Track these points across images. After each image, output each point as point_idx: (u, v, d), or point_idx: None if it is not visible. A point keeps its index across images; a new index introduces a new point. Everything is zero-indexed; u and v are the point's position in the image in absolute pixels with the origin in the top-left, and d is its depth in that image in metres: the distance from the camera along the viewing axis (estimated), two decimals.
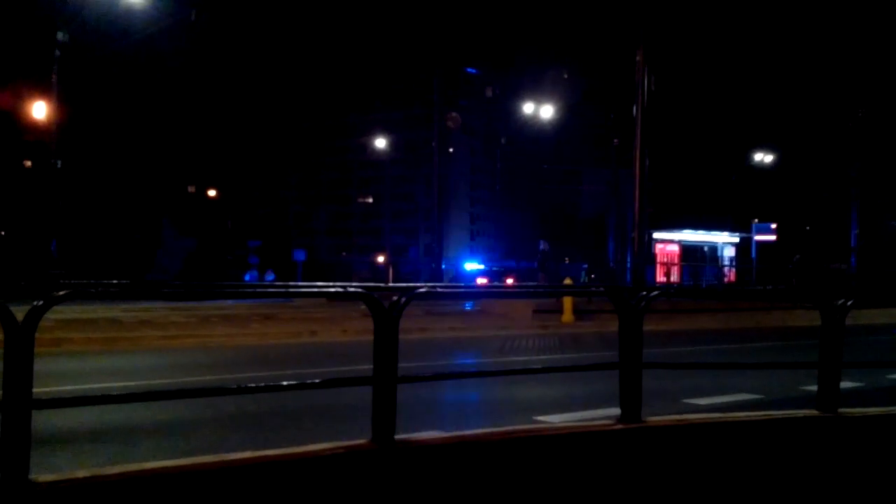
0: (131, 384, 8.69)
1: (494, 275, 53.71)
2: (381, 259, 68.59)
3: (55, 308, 3.18)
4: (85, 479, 3.14)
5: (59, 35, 23.33)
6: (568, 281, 25.98)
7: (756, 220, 39.18)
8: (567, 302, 18.44)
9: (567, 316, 18.30)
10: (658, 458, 4.38)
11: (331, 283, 4.23)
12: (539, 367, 10.86)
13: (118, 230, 52.26)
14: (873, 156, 35.83)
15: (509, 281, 45.02)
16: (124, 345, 12.99)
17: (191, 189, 62.92)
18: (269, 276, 39.76)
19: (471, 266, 60.76)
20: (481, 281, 49.68)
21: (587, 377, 8.23)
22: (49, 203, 24.80)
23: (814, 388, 5.01)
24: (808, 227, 44.24)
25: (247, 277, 39.19)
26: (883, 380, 9.66)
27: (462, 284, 39.76)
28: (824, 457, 4.77)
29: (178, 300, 19.25)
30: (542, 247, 26.75)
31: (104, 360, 11.45)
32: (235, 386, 5.01)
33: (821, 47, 42.50)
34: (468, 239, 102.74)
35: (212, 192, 59.79)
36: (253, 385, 4.02)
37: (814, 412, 4.90)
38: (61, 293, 3.16)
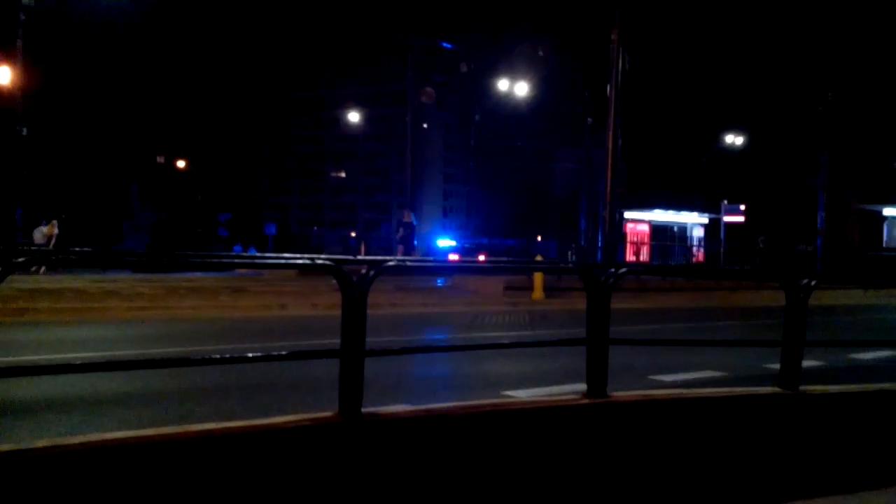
0: (96, 355, 8.59)
1: (467, 251, 53.77)
2: (353, 234, 68.36)
3: (19, 278, 3.12)
4: (45, 448, 3.09)
5: None
6: (538, 258, 26.06)
7: (725, 201, 39.55)
8: (537, 279, 18.53)
9: (537, 293, 18.40)
10: (622, 432, 4.43)
11: (298, 255, 4.18)
12: (508, 342, 10.92)
13: (85, 200, 51.39)
14: (841, 138, 36.34)
15: (481, 258, 45.12)
16: (90, 315, 12.83)
17: (160, 160, 61.89)
18: (251, 251, 40.01)
19: (443, 242, 60.73)
20: (453, 257, 49.76)
21: (556, 353, 8.30)
22: (14, 171, 24.34)
23: (777, 366, 5.09)
24: (775, 209, 44.83)
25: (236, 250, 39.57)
26: (844, 359, 9.87)
27: (432, 259, 39.71)
28: (785, 433, 4.86)
29: (142, 270, 19.09)
30: (405, 218, 23.72)
31: (69, 330, 11.30)
32: (201, 357, 4.95)
33: (791, 31, 42.84)
34: (441, 215, 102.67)
35: (181, 164, 58.84)
36: (218, 356, 3.98)
37: (776, 389, 4.98)
38: (20, 260, 3.09)
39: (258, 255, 5.62)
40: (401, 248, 22.83)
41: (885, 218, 38.21)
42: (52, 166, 49.85)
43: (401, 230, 23.77)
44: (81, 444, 3.17)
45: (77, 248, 3.48)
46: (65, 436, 3.37)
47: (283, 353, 4.23)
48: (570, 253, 34.91)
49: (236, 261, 5.28)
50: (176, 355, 8.36)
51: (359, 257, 5.37)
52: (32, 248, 20.89)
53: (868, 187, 42.17)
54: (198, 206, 53.17)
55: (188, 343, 10.29)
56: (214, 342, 10.49)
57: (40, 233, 22.30)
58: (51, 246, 21.44)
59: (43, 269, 19.32)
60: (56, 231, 22.16)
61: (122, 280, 17.08)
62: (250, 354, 4.22)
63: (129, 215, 43.49)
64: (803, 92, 38.00)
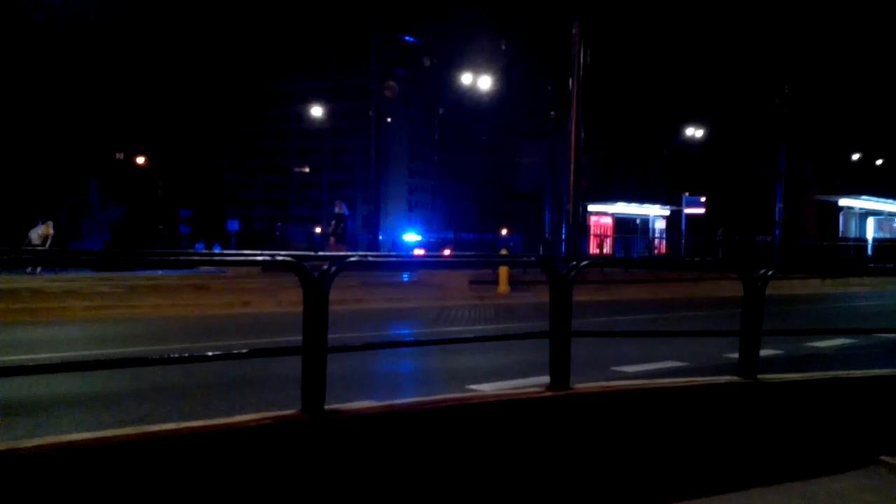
0: (53, 356, 8.41)
1: (433, 246, 53.79)
2: (318, 230, 67.84)
3: None
4: None
5: None
6: (504, 252, 26.12)
7: (686, 194, 40.14)
8: (503, 273, 18.57)
9: (503, 287, 18.44)
10: (585, 423, 4.47)
11: (258, 252, 4.13)
12: (472, 336, 10.94)
13: (42, 198, 50.18)
14: (798, 131, 37.05)
15: (447, 252, 45.14)
16: (48, 315, 12.57)
17: (119, 156, 60.74)
18: (216, 248, 39.37)
19: (409, 237, 60.68)
20: (419, 252, 49.70)
21: (521, 347, 8.34)
22: None
23: (737, 355, 5.18)
24: (735, 201, 45.55)
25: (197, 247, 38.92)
26: (802, 347, 10.08)
27: (395, 254, 39.61)
28: (744, 420, 4.95)
29: (99, 268, 18.84)
30: (337, 209, 22.49)
31: (26, 331, 11.06)
32: (160, 357, 4.88)
33: (750, 25, 43.53)
34: (406, 210, 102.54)
35: (141, 160, 57.82)
36: (178, 356, 3.90)
37: (735, 378, 5.06)
38: None
39: (217, 251, 5.53)
40: (332, 239, 21.29)
41: (841, 208, 39.08)
42: (9, 162, 48.69)
43: (332, 223, 22.05)
44: (37, 447, 3.10)
45: (27, 248, 3.39)
46: (19, 439, 3.29)
47: (245, 351, 4.18)
48: (540, 247, 35.05)
49: (195, 258, 5.20)
50: (135, 355, 8.23)
51: (321, 253, 5.34)
52: (29, 247, 21.24)
53: (825, 178, 43.10)
54: (158, 202, 52.30)
55: (148, 342, 10.14)
56: (175, 341, 10.34)
57: (36, 233, 22.90)
58: (47, 245, 22.29)
59: (39, 269, 19.90)
60: (52, 231, 22.82)
61: (81, 279, 16.78)
62: (211, 353, 4.17)
63: (88, 213, 42.61)
64: (761, 85, 38.64)
